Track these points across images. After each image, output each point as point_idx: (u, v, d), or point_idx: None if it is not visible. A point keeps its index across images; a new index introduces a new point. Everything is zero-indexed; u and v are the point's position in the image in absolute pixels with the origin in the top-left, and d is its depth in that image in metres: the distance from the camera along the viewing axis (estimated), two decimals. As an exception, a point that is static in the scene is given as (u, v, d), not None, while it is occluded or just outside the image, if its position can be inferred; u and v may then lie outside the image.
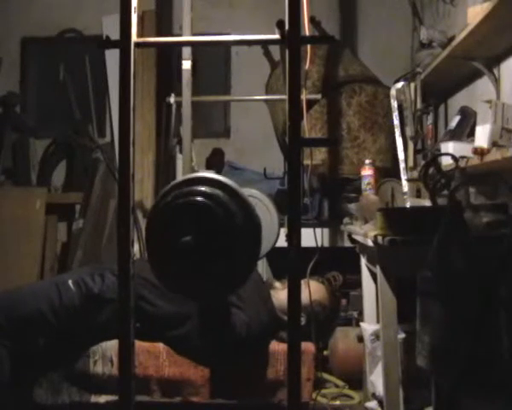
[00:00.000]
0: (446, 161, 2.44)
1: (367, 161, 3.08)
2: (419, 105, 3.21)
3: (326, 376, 2.96)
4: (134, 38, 1.46)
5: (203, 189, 1.64)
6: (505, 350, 1.46)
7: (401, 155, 3.01)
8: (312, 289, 2.19)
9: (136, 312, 1.51)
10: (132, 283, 1.47)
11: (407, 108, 3.17)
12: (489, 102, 2.30)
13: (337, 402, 2.81)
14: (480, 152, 2.17)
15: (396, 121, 3.07)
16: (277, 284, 2.33)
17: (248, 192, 1.78)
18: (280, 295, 2.22)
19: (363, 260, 2.69)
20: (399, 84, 3.16)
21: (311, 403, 2.23)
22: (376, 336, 2.35)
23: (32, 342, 2.08)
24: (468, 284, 1.49)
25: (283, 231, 2.63)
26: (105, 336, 2.13)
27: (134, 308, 1.49)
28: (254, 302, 2.15)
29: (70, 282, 2.13)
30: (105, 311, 2.08)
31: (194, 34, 3.06)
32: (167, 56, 4.08)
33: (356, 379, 2.85)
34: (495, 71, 2.68)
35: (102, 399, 2.15)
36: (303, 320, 2.16)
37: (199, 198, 1.63)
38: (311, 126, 3.38)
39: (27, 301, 2.10)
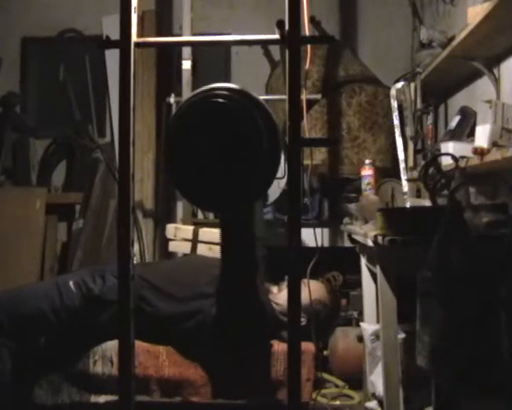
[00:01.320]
0: (446, 161, 2.44)
1: (367, 161, 3.08)
2: (419, 105, 3.21)
3: (326, 376, 2.96)
4: (134, 38, 1.46)
5: (226, 93, 1.59)
6: (505, 350, 1.46)
7: (401, 155, 3.01)
8: (312, 288, 2.19)
9: (137, 314, 1.51)
10: (132, 283, 1.47)
11: (407, 108, 3.17)
12: (489, 102, 2.30)
13: (337, 402, 2.81)
14: (480, 152, 2.18)
15: (396, 121, 3.07)
16: (274, 289, 2.32)
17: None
18: (278, 298, 2.21)
19: (363, 260, 2.69)
20: (399, 84, 3.16)
21: (311, 403, 2.23)
22: (376, 336, 2.35)
23: (34, 342, 2.08)
24: (468, 284, 1.49)
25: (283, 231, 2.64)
26: (106, 338, 2.13)
27: (134, 309, 1.49)
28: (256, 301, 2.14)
29: (71, 283, 2.13)
30: (106, 312, 2.08)
31: (194, 34, 3.06)
32: (167, 56, 4.08)
33: (356, 379, 2.85)
34: (495, 71, 2.68)
35: (102, 399, 2.15)
36: (304, 321, 2.16)
37: (221, 100, 1.58)
38: (311, 126, 3.38)
39: (29, 300, 2.10)
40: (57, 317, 2.07)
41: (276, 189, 2.38)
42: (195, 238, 2.79)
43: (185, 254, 2.87)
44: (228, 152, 1.56)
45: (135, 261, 2.32)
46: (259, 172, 1.58)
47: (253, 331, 2.08)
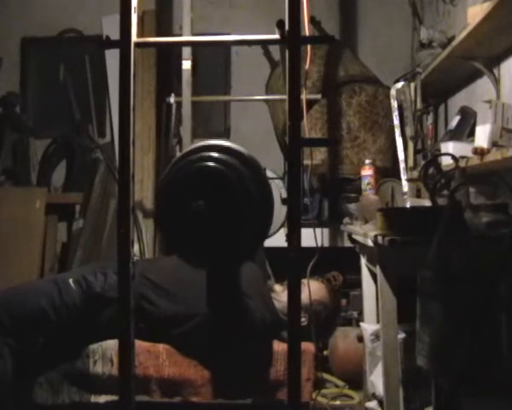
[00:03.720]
0: (446, 161, 2.44)
1: (367, 161, 3.08)
2: (419, 105, 3.21)
3: (326, 376, 2.96)
4: (134, 38, 1.46)
5: (216, 155, 1.63)
6: (505, 350, 1.46)
7: (401, 155, 3.01)
8: (313, 289, 2.19)
9: (138, 312, 1.51)
10: (132, 283, 1.47)
11: (407, 108, 3.17)
12: (489, 102, 2.30)
13: (337, 402, 2.81)
14: (480, 152, 2.18)
15: (396, 121, 3.07)
16: (277, 287, 2.32)
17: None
18: (281, 297, 2.21)
19: (363, 260, 2.69)
20: (399, 84, 3.16)
21: (311, 403, 2.23)
22: (376, 336, 2.35)
23: (34, 341, 2.08)
24: (468, 284, 1.49)
25: (283, 231, 2.64)
26: (107, 335, 2.12)
27: (135, 308, 1.49)
28: (257, 301, 2.14)
29: (71, 280, 2.13)
30: (107, 310, 2.08)
31: (194, 34, 3.06)
32: (167, 56, 4.08)
33: (356, 379, 2.85)
34: (495, 71, 2.68)
35: (102, 399, 2.15)
36: (304, 321, 2.16)
37: (211, 163, 1.62)
38: (311, 126, 3.38)
39: (28, 298, 2.10)
40: (57, 314, 2.07)
41: (279, 216, 2.38)
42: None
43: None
44: (219, 214, 1.61)
45: (136, 258, 2.32)
46: (250, 234, 1.63)
47: (247, 333, 2.08)
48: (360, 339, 2.54)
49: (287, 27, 1.41)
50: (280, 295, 2.25)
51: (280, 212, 2.32)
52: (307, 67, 2.21)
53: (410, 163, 3.25)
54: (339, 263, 2.96)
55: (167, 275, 2.20)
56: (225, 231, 1.64)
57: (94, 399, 2.15)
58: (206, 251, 1.70)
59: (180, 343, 2.14)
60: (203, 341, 2.10)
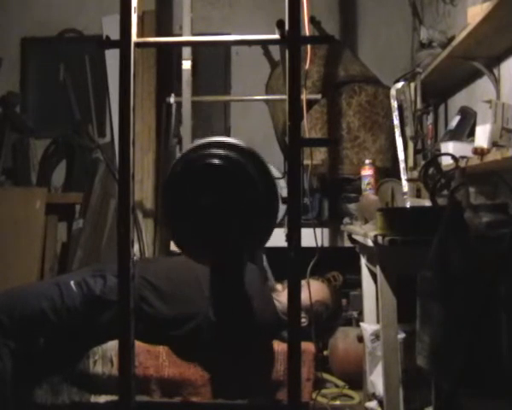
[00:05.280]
0: (446, 161, 2.44)
1: (367, 161, 3.08)
2: (419, 105, 3.21)
3: (326, 376, 2.96)
4: (134, 38, 1.46)
5: (220, 151, 1.63)
6: (505, 350, 1.46)
7: (401, 155, 3.01)
8: (315, 289, 2.19)
9: (137, 314, 1.51)
10: (132, 283, 1.47)
11: (407, 108, 3.17)
12: (489, 102, 2.30)
13: (337, 402, 2.81)
14: (480, 152, 2.18)
15: (396, 121, 3.07)
16: (278, 287, 2.32)
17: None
18: (281, 297, 2.21)
19: (363, 260, 2.69)
20: (399, 84, 3.16)
21: (311, 403, 2.23)
22: (376, 336, 2.35)
23: (34, 342, 2.08)
24: (467, 284, 1.49)
25: (283, 231, 2.64)
26: (107, 338, 2.12)
27: (135, 309, 1.49)
28: (257, 302, 2.14)
29: (72, 283, 2.13)
30: (107, 313, 2.08)
31: (194, 34, 3.06)
32: (167, 56, 4.08)
33: (356, 379, 2.85)
34: (495, 71, 2.68)
35: (102, 399, 2.15)
36: (305, 321, 2.16)
37: (217, 160, 1.62)
38: (311, 126, 3.38)
39: (29, 300, 2.10)
40: (58, 316, 2.07)
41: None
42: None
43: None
44: (225, 210, 1.61)
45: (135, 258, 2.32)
46: (257, 226, 1.63)
47: (248, 334, 2.08)
48: (360, 339, 2.54)
49: (287, 27, 1.41)
50: (280, 294, 2.25)
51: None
52: (307, 67, 2.21)
53: (410, 163, 3.25)
54: (339, 263, 2.96)
55: (165, 277, 2.20)
56: (232, 226, 1.63)
57: (94, 399, 2.16)
58: (214, 247, 1.68)
59: (179, 345, 2.14)
60: (202, 342, 2.10)
